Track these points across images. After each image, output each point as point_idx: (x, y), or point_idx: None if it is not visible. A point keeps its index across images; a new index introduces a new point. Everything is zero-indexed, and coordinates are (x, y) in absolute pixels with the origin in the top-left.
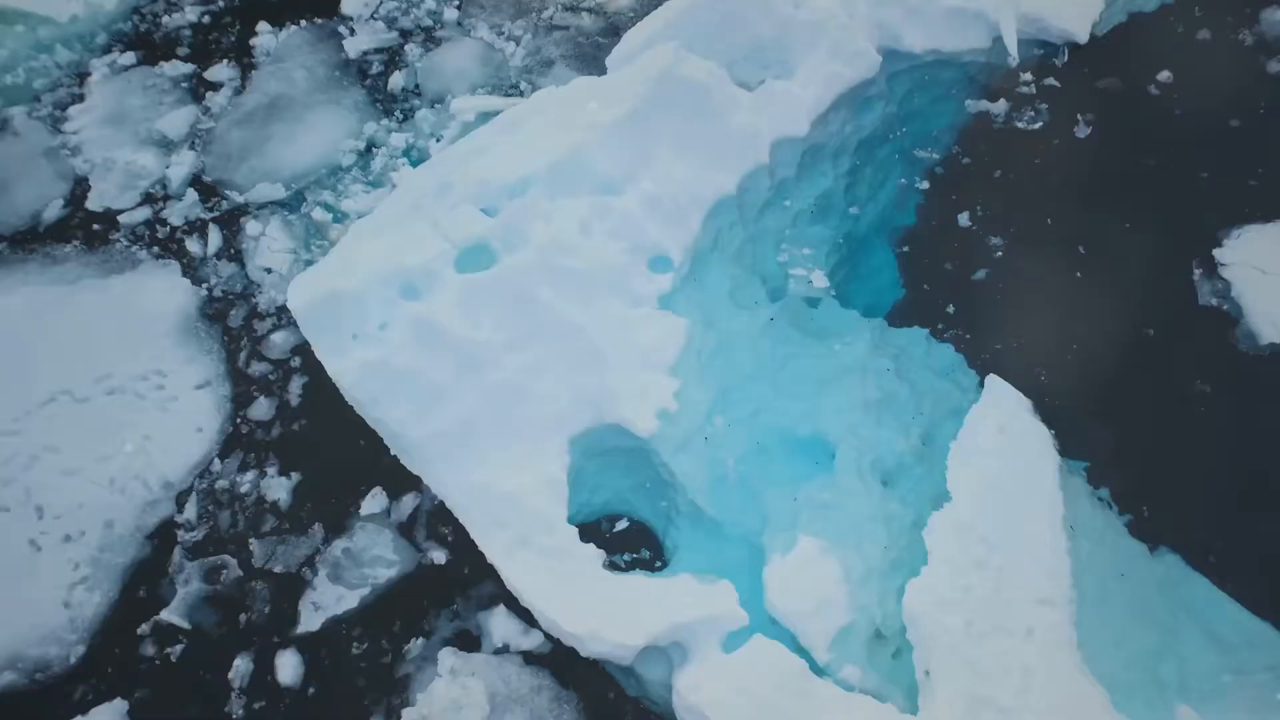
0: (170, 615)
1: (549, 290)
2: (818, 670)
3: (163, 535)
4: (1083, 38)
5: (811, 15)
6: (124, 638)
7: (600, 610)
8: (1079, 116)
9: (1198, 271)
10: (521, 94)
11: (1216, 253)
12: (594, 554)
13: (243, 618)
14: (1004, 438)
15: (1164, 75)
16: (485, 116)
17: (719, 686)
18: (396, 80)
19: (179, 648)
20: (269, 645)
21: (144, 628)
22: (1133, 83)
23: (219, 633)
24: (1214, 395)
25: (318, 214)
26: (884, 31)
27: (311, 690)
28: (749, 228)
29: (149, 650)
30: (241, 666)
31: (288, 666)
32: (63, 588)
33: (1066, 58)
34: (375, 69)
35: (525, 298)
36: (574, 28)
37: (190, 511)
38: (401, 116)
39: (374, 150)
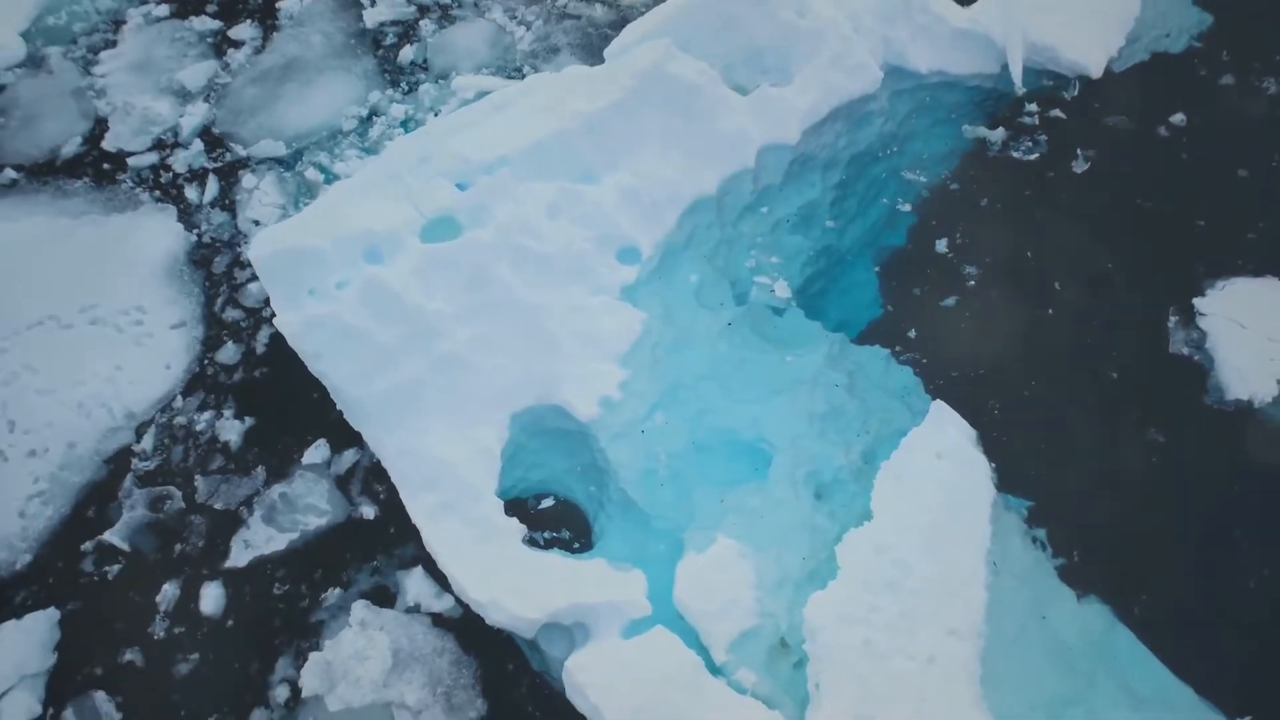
0: (112, 537)
1: (506, 269)
2: (713, 670)
3: (118, 461)
4: (1096, 72)
5: (814, 24)
6: (68, 552)
7: (508, 582)
8: (1079, 151)
9: (1174, 318)
10: (523, 78)
11: (1197, 301)
12: (516, 528)
13: (178, 547)
14: (940, 464)
15: (1177, 118)
16: (484, 96)
17: (608, 670)
18: (407, 53)
19: (116, 567)
20: (197, 575)
21: (87, 545)
22: (1143, 122)
23: (154, 558)
24: (1168, 447)
25: (311, 173)
26: (889, 48)
27: (230, 623)
28: (726, 230)
29: (88, 566)
30: (169, 592)
31: (211, 597)
32: (20, 499)
33: (1076, 91)
34: (389, 40)
35: (482, 273)
36: (585, 18)
37: (147, 442)
38: (406, 89)
39: (375, 118)
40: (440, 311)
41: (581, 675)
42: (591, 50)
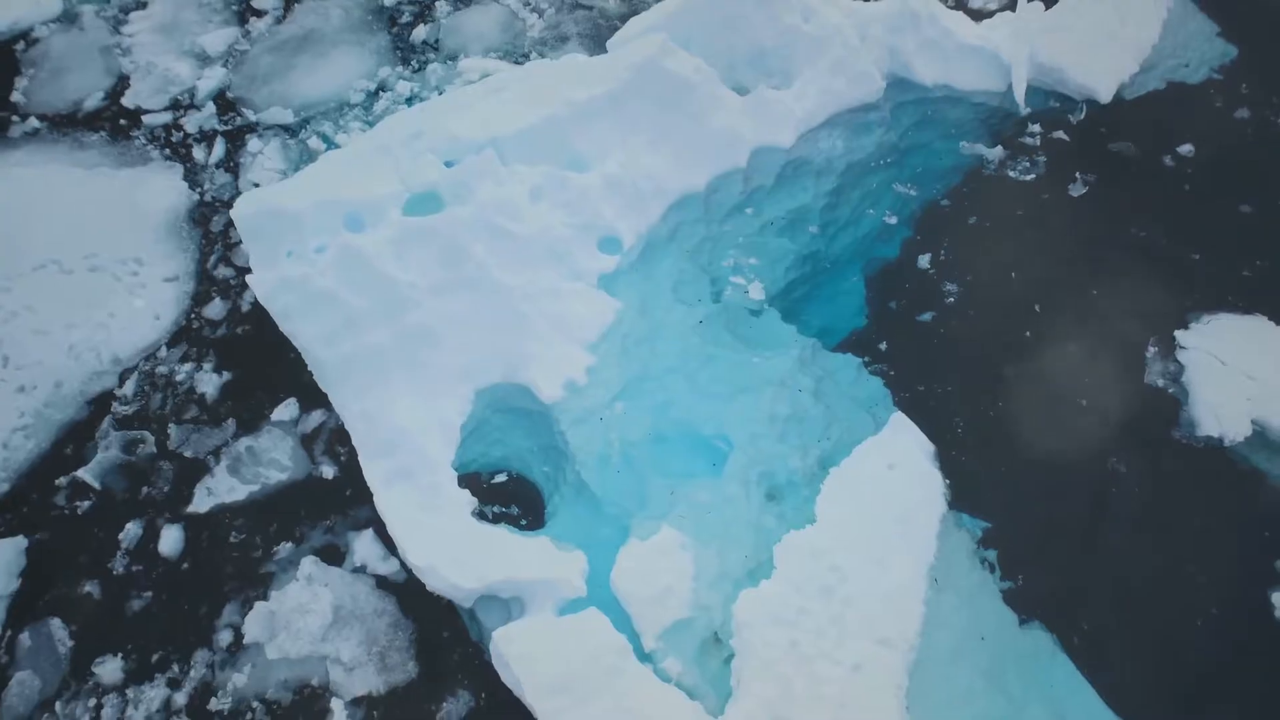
0: (85, 474)
1: (482, 247)
2: (641, 656)
3: (100, 403)
4: (1105, 97)
5: (818, 30)
6: (43, 485)
7: (450, 550)
8: (1078, 175)
9: (1153, 349)
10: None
11: (1179, 334)
12: (467, 500)
13: (145, 489)
14: (891, 475)
15: (1185, 148)
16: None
17: (534, 644)
18: (420, 32)
19: (86, 504)
20: (160, 518)
21: (61, 480)
22: (1149, 151)
23: (121, 498)
24: (1129, 477)
25: (314, 142)
26: (895, 59)
27: (185, 565)
28: (712, 227)
29: (60, 500)
30: (132, 531)
31: (170, 539)
32: (5, 430)
33: (1083, 114)
34: (405, 19)
35: (456, 250)
36: (597, 9)
37: (129, 388)
38: (416, 67)
39: (382, 93)
40: (413, 283)
41: (507, 646)
42: (600, 41)
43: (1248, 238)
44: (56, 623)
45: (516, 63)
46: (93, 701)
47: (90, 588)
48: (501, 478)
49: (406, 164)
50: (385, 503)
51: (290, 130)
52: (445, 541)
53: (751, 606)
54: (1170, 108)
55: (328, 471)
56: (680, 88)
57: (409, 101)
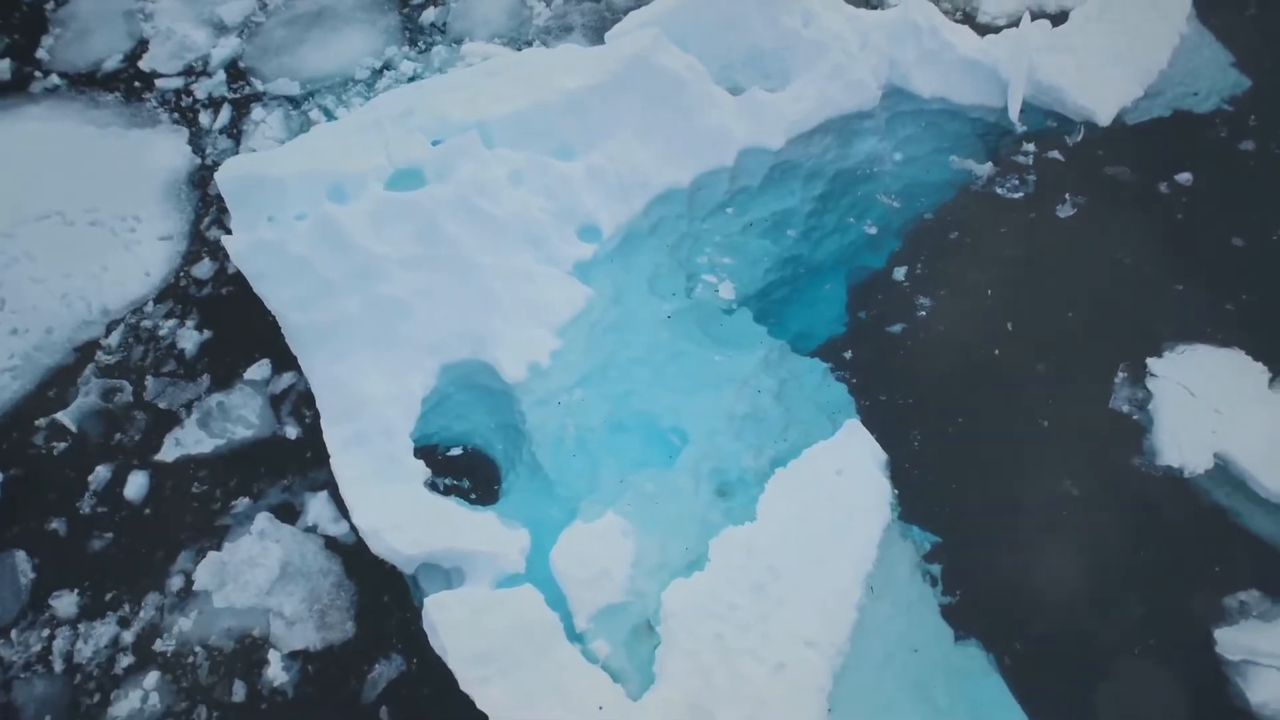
0: (64, 417)
1: (457, 226)
2: (572, 636)
3: (85, 351)
4: (1104, 120)
5: (817, 35)
6: (23, 424)
7: (397, 516)
8: (1067, 196)
9: (1122, 374)
10: None
11: (1151, 361)
12: (421, 470)
13: (118, 436)
14: (838, 480)
15: (1183, 177)
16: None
17: (464, 613)
18: (429, 15)
19: (61, 445)
20: (128, 463)
21: (41, 421)
22: (1145, 176)
23: (95, 442)
24: (1081, 501)
25: (315, 114)
26: (894, 69)
27: (147, 511)
28: (695, 224)
29: (38, 440)
30: (101, 474)
31: (136, 485)
32: None
33: (1080, 136)
34: (417, 0)
35: (432, 226)
36: (604, 1)
37: (114, 339)
38: (422, 48)
39: (386, 71)
40: (387, 255)
41: (437, 613)
42: (603, 33)
43: (1235, 271)
44: (21, 555)
45: (518, 50)
46: (46, 632)
47: (56, 525)
48: (457, 451)
49: (394, 140)
50: (340, 465)
51: (294, 102)
52: (393, 508)
53: (680, 596)
54: (1172, 135)
55: (292, 432)
56: (670, 83)
57: (411, 81)
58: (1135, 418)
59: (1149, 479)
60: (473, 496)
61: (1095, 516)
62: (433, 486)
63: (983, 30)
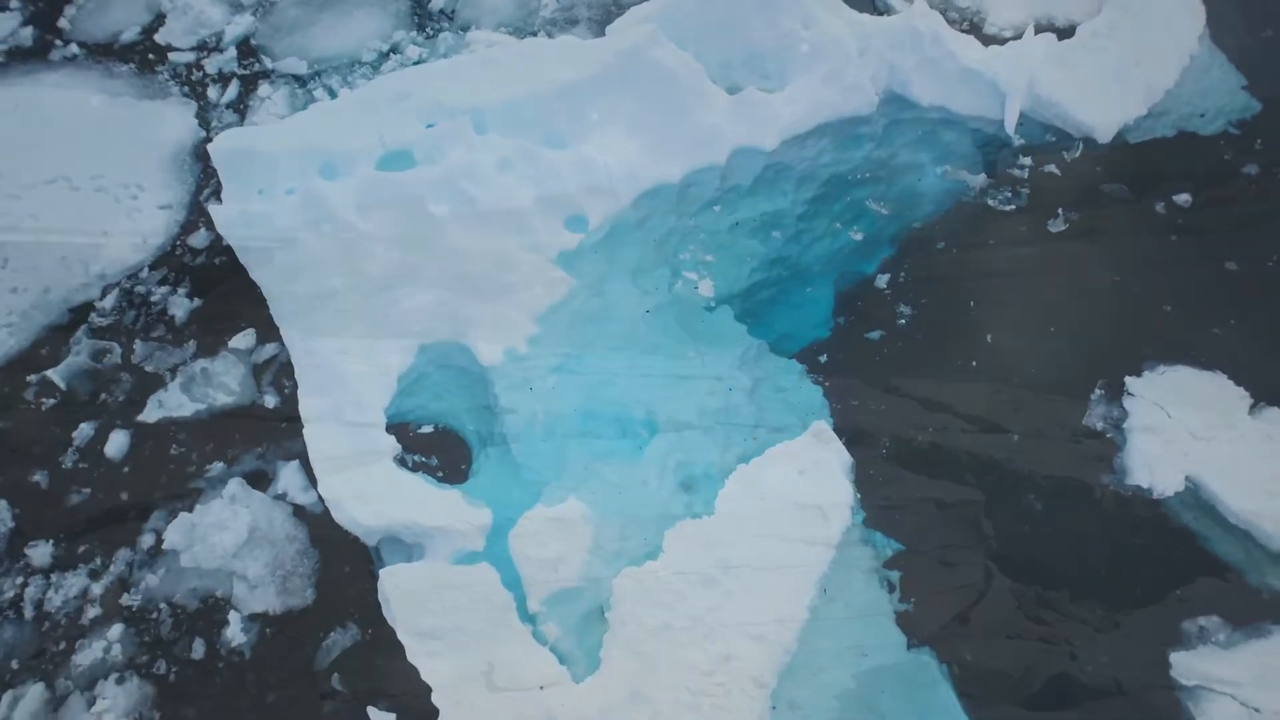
0: (54, 375)
1: (443, 208)
2: (524, 617)
3: (79, 313)
4: (1103, 137)
5: (817, 38)
6: (15, 380)
7: (361, 489)
8: (1060, 211)
9: (1099, 391)
10: None
11: (1129, 380)
12: (391, 447)
13: (103, 395)
14: (800, 480)
15: (1181, 198)
16: None
17: (416, 586)
18: (438, 2)
19: (49, 401)
20: (111, 423)
21: (32, 377)
22: (1141, 195)
23: (81, 400)
24: (1043, 515)
25: (319, 94)
26: (894, 75)
27: (126, 469)
28: (683, 220)
29: (28, 395)
30: (85, 431)
31: (117, 443)
32: None
33: (1078, 152)
34: None
35: (416, 207)
36: None
37: (108, 302)
38: (429, 34)
39: (392, 55)
40: (371, 234)
41: (391, 585)
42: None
43: (1226, 296)
44: (3, 504)
45: (522, 39)
46: (20, 580)
47: (39, 477)
48: (428, 429)
49: (389, 122)
50: (311, 436)
51: (300, 80)
52: (359, 480)
53: (630, 584)
54: (1174, 155)
55: (270, 401)
56: (664, 79)
57: (416, 64)
58: (1108, 435)
59: (1117, 498)
60: (440, 474)
61: (1060, 532)
62: (402, 463)
63: (988, 41)
